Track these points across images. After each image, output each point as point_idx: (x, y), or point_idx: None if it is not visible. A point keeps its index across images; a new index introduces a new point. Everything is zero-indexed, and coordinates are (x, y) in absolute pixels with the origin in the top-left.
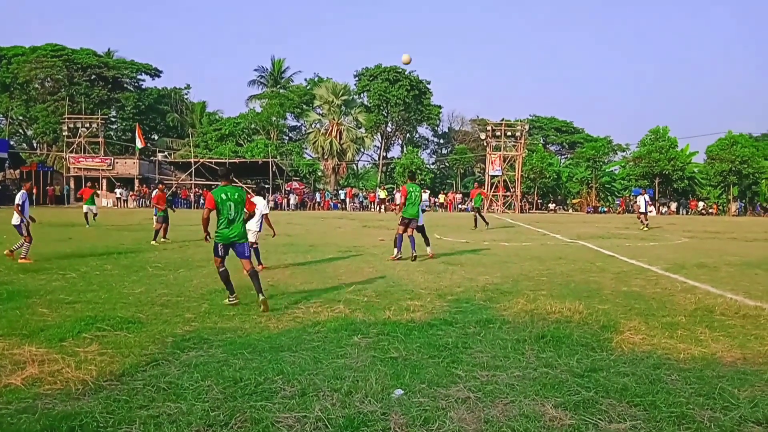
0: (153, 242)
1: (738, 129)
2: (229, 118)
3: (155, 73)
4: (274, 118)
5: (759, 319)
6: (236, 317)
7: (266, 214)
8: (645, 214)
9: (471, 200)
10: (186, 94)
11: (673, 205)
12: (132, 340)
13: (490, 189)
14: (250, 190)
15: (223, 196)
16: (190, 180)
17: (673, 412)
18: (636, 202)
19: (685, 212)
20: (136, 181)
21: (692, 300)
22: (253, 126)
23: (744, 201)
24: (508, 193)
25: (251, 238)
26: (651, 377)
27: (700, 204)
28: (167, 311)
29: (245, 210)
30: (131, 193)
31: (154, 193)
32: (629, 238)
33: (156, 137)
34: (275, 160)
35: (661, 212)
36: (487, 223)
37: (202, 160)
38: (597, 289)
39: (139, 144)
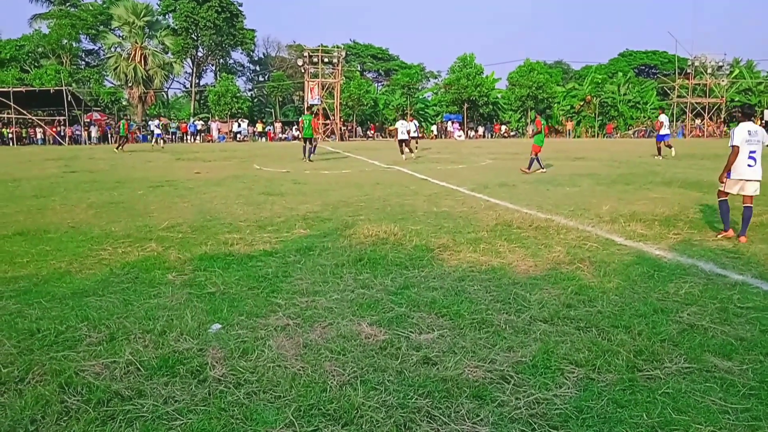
0: None
1: (535, 57)
2: (10, 40)
3: None
4: (65, 41)
5: (548, 230)
6: (30, 264)
7: None
8: (416, 138)
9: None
10: None
11: (481, 129)
12: None
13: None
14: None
15: None
16: None
17: (474, 319)
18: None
19: (490, 135)
20: None
21: (493, 216)
22: (40, 50)
23: None
24: (327, 122)
25: None
26: (456, 289)
27: (503, 127)
28: None
29: None
30: None
31: None
32: (440, 161)
33: None
34: (70, 88)
35: (470, 136)
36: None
37: None
38: (411, 211)
39: None
